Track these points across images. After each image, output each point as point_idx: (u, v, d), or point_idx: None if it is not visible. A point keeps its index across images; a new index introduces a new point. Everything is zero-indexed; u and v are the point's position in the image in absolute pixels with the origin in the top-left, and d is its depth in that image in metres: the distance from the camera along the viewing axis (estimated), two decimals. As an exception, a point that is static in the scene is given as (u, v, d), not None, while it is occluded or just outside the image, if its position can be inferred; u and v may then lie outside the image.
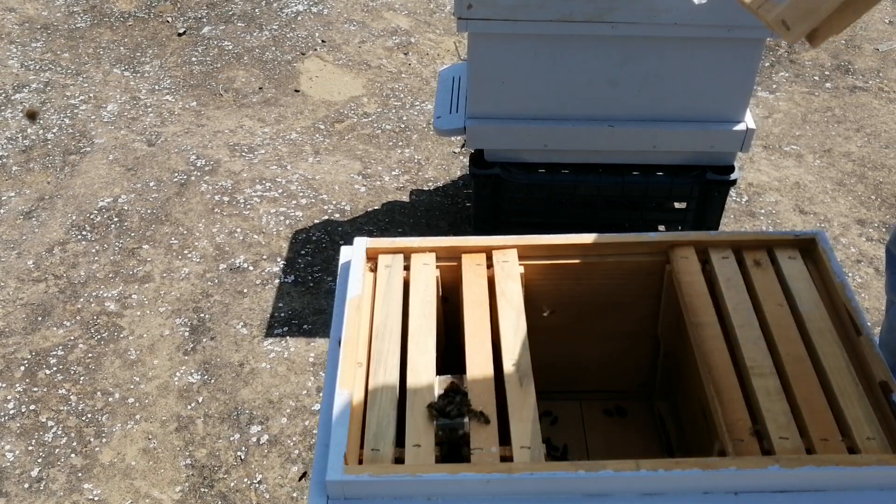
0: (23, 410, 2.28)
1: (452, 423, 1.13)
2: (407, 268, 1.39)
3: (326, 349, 2.26)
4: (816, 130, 3.36)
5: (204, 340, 2.48)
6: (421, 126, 3.36)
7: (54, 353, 2.44)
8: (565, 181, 2.48)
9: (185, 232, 2.85)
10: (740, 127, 2.35)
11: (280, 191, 3.03)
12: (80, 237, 2.83)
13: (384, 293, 1.33)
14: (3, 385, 2.35)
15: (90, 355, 2.43)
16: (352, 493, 1.06)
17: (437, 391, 1.19)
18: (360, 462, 1.09)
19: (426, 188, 3.06)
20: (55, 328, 2.51)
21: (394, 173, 3.12)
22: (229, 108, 3.47)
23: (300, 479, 2.04)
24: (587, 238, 1.44)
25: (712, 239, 1.44)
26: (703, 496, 1.05)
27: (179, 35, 3.93)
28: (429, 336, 1.27)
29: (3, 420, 2.25)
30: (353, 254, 1.39)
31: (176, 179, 3.08)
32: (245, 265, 2.73)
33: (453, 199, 3.02)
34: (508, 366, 1.22)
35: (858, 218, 2.94)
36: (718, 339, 1.28)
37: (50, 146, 3.25)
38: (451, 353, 1.36)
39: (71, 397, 2.32)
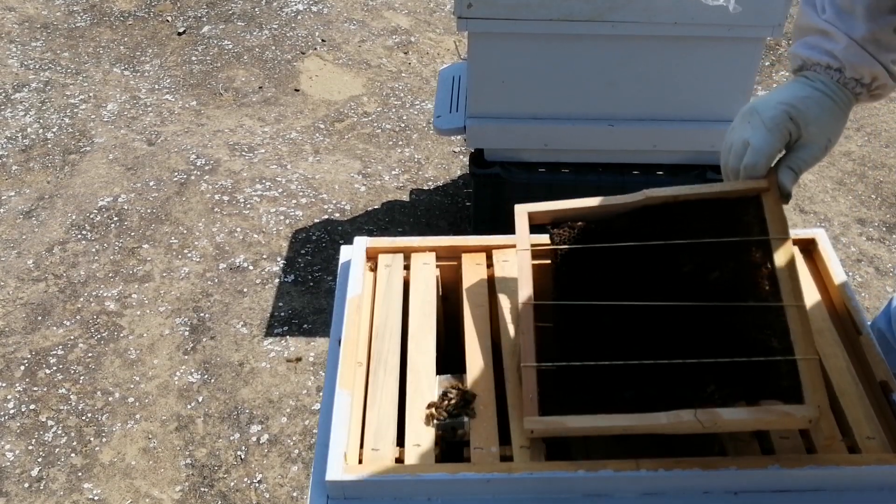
0: (23, 410, 2.28)
1: (452, 422, 1.13)
2: (407, 267, 1.39)
3: (326, 349, 2.26)
4: (816, 130, 3.35)
5: (204, 340, 2.48)
6: (421, 125, 3.36)
7: (54, 352, 2.44)
8: (565, 181, 2.48)
9: (185, 231, 2.85)
10: (740, 126, 2.34)
11: (280, 190, 3.03)
12: (79, 237, 2.83)
13: (384, 293, 1.33)
14: (3, 385, 2.35)
15: (90, 355, 2.43)
16: (352, 492, 1.06)
17: (437, 391, 1.18)
18: (360, 462, 1.09)
19: (426, 188, 3.06)
20: (55, 328, 2.51)
21: (394, 173, 3.12)
22: (229, 108, 3.47)
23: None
24: (587, 238, 1.44)
25: (712, 239, 1.44)
26: (703, 496, 1.05)
27: (179, 34, 3.93)
28: (429, 336, 1.27)
29: (3, 420, 2.25)
30: (353, 253, 1.39)
31: (176, 179, 3.08)
32: (245, 265, 2.73)
33: (453, 199, 3.02)
34: (508, 366, 1.22)
35: (859, 217, 2.94)
36: (719, 340, 1.28)
37: (50, 145, 3.25)
38: (451, 353, 1.36)
39: (71, 397, 2.32)
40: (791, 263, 1.13)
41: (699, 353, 1.08)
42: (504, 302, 1.32)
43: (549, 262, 1.25)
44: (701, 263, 1.17)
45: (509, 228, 1.31)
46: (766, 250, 1.15)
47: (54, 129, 3.33)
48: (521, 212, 1.27)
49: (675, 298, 1.14)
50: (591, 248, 1.22)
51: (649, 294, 1.16)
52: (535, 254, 1.26)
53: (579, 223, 1.26)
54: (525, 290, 1.19)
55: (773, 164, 1.19)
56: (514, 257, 1.26)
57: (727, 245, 1.16)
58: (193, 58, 3.76)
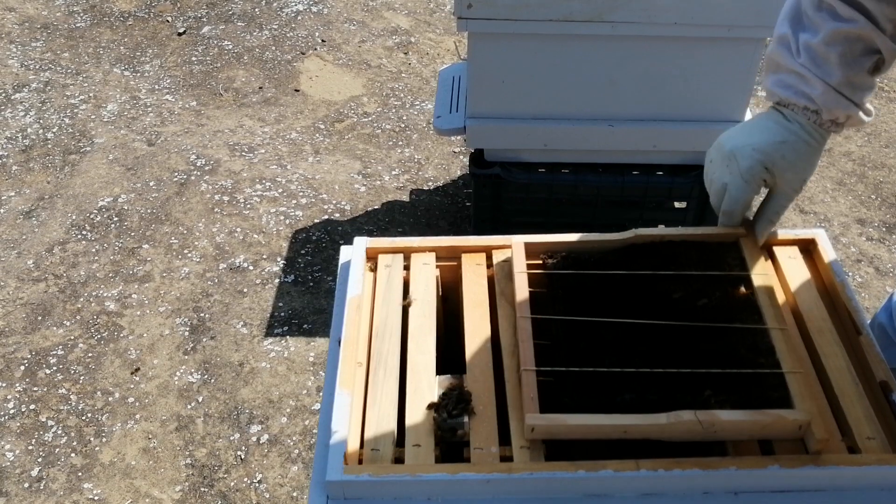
0: (23, 410, 2.28)
1: (452, 423, 1.13)
2: (407, 267, 1.39)
3: (326, 349, 2.26)
4: (816, 130, 3.36)
5: (204, 340, 2.48)
6: (421, 125, 3.36)
7: (54, 352, 2.44)
8: (565, 181, 2.48)
9: (185, 231, 2.85)
10: (740, 126, 2.34)
11: (280, 190, 3.03)
12: (79, 237, 2.83)
13: (384, 293, 1.33)
14: (3, 385, 2.35)
15: (90, 355, 2.43)
16: (352, 493, 1.06)
17: (437, 391, 1.18)
18: (360, 462, 1.09)
19: (426, 188, 3.06)
20: (55, 328, 2.51)
21: (394, 173, 3.12)
22: (229, 108, 3.47)
23: None
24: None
25: (712, 239, 1.44)
26: (703, 496, 1.05)
27: (179, 35, 3.93)
28: (429, 336, 1.27)
29: (3, 420, 2.25)
30: (352, 253, 1.39)
31: (176, 179, 3.08)
32: (245, 265, 2.73)
33: (453, 199, 3.02)
34: (508, 366, 1.22)
35: (858, 217, 2.94)
36: (719, 340, 1.28)
37: (50, 146, 3.25)
38: (451, 353, 1.36)
39: (71, 397, 2.32)
40: (772, 295, 1.22)
41: (693, 367, 1.15)
42: (503, 302, 1.32)
43: (544, 290, 1.29)
44: (690, 292, 1.25)
45: (509, 229, 1.32)
46: (749, 285, 1.24)
47: (54, 130, 3.33)
48: (518, 242, 1.34)
49: (666, 321, 1.21)
50: (585, 274, 1.30)
51: (642, 317, 1.22)
52: (532, 277, 1.29)
53: (573, 255, 1.34)
54: (523, 307, 1.24)
55: (751, 208, 1.31)
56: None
57: (712, 279, 1.26)
58: (193, 58, 3.76)
